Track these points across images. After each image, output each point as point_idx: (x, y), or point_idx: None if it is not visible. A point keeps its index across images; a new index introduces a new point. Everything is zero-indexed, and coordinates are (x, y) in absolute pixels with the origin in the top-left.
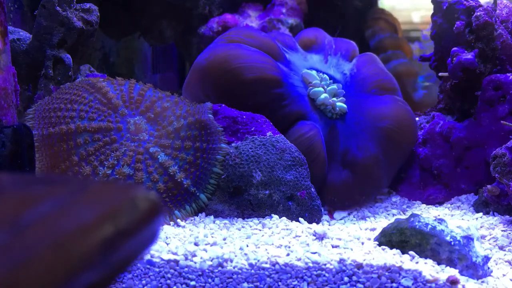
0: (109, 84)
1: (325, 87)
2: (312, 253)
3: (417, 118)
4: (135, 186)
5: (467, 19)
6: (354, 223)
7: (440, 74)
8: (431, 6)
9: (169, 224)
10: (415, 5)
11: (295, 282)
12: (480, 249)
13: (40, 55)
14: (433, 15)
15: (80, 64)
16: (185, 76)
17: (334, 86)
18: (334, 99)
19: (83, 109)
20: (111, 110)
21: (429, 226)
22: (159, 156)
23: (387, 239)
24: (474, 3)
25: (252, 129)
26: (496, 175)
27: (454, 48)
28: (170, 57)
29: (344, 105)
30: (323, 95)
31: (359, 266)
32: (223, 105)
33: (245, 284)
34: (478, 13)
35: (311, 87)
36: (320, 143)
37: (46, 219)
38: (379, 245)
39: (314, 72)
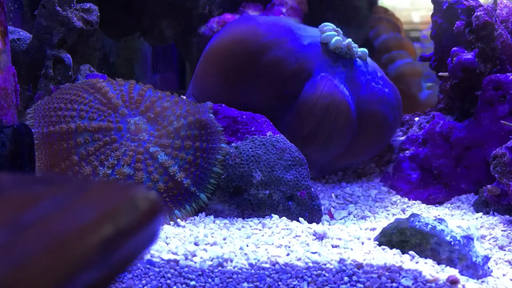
0: (109, 84)
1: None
2: (312, 253)
3: (417, 118)
4: (135, 186)
5: (467, 19)
6: (354, 223)
7: (440, 74)
8: (431, 6)
9: (169, 224)
10: (415, 5)
11: (295, 282)
12: (480, 249)
13: (40, 55)
14: (433, 15)
15: (80, 64)
16: (185, 76)
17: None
18: (350, 39)
19: (83, 108)
20: (111, 110)
21: (429, 226)
22: (159, 156)
23: (387, 239)
24: (474, 3)
25: (252, 129)
26: (496, 175)
27: (454, 48)
28: (170, 57)
29: (365, 49)
30: (335, 38)
31: (359, 266)
32: (223, 105)
33: (245, 284)
34: (478, 13)
35: (322, 33)
36: (337, 93)
37: (46, 219)
38: (379, 245)
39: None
